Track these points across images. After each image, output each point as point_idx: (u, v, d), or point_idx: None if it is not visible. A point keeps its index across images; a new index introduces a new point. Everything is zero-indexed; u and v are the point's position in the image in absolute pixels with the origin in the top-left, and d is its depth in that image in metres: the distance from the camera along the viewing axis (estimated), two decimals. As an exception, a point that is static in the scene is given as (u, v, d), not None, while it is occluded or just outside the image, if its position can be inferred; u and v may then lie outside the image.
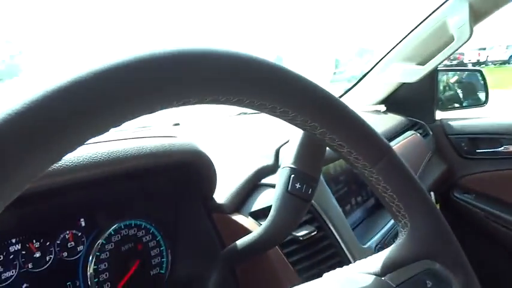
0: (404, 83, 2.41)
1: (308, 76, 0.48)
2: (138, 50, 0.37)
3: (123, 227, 1.18)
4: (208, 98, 0.40)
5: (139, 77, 0.37)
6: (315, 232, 1.28)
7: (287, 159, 0.93)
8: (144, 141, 0.96)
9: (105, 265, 1.11)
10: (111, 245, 1.14)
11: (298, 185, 0.90)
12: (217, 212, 1.20)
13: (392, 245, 0.65)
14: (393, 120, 2.43)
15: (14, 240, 0.97)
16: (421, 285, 0.56)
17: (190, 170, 1.11)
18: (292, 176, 0.90)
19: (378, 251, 1.17)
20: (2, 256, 0.94)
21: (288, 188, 0.90)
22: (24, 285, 0.97)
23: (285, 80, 0.49)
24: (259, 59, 0.48)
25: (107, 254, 1.12)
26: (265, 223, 0.97)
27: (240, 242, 1.04)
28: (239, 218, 1.21)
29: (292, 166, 0.91)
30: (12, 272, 0.95)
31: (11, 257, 0.96)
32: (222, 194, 1.22)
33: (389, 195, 0.53)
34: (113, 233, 1.15)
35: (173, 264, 1.28)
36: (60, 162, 0.84)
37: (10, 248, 0.96)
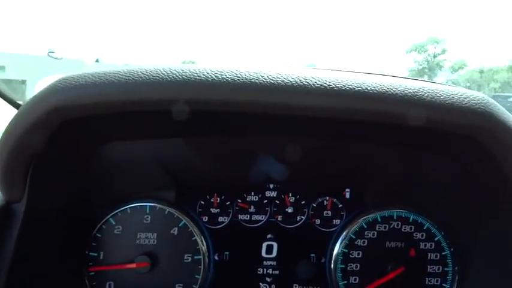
0: None
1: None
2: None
3: (395, 217, 0.89)
4: None
5: None
6: None
7: None
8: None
9: (358, 254, 0.88)
10: (373, 234, 0.89)
11: None
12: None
13: None
14: None
15: (271, 186, 0.92)
16: None
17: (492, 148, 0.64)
18: None
19: None
20: (257, 197, 0.92)
21: None
22: (269, 235, 0.91)
23: None
24: None
25: (364, 242, 0.88)
26: None
27: None
28: None
29: None
30: (262, 217, 0.91)
31: (264, 201, 0.92)
32: None
33: None
34: (379, 219, 0.89)
35: (458, 299, 0.86)
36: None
37: (266, 193, 0.92)
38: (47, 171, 0.68)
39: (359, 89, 0.53)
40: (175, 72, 0.51)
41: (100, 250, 0.87)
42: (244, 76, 0.52)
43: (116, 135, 0.73)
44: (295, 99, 0.53)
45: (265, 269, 0.90)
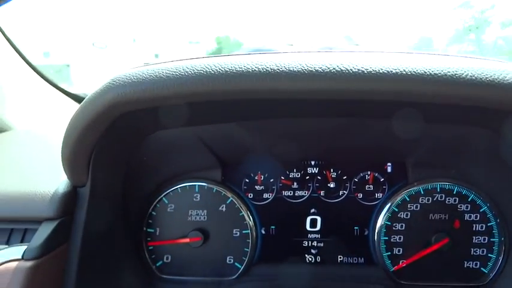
0: None
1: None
2: None
3: (439, 189, 0.89)
4: None
5: None
6: None
7: None
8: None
9: (401, 226, 0.90)
10: (416, 207, 0.90)
11: None
12: None
13: None
14: None
15: (313, 163, 0.95)
16: None
17: None
18: None
19: None
20: (299, 174, 0.95)
21: None
22: (312, 210, 0.94)
23: None
24: None
25: (407, 215, 0.90)
26: None
27: None
28: None
29: None
30: (305, 193, 0.95)
31: (306, 177, 0.95)
32: None
33: None
34: (422, 192, 0.90)
35: (504, 268, 0.86)
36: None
37: (308, 169, 0.95)
38: (106, 159, 0.75)
39: (400, 71, 0.54)
40: (217, 64, 0.54)
41: (156, 226, 0.95)
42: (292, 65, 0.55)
43: (169, 123, 0.78)
44: (345, 85, 0.55)
45: (310, 242, 0.94)
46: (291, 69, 0.54)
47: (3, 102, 1.19)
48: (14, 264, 0.68)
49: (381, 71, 0.54)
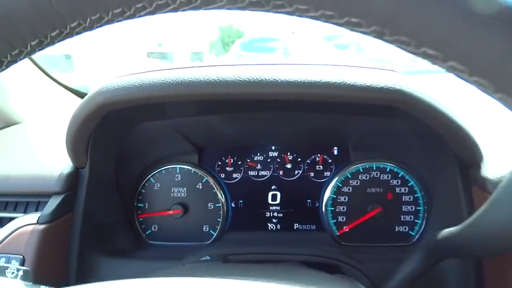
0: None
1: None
2: None
3: (375, 168, 1.09)
4: None
5: None
6: None
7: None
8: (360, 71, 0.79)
9: (344, 199, 1.10)
10: (357, 182, 1.09)
11: None
12: (478, 186, 0.85)
13: None
14: None
15: (273, 147, 1.14)
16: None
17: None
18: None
19: None
20: (262, 157, 1.15)
21: None
22: (273, 186, 1.14)
23: None
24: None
25: (349, 189, 1.09)
26: None
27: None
28: None
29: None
30: (267, 173, 1.14)
31: (268, 160, 1.15)
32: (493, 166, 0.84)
33: None
34: (361, 170, 1.09)
35: (425, 231, 1.06)
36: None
37: (269, 153, 1.15)
38: (101, 145, 0.95)
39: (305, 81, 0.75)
40: (172, 76, 0.75)
41: (145, 202, 1.15)
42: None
43: (148, 118, 0.98)
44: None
45: (271, 213, 1.14)
46: (219, 79, 0.76)
47: (16, 99, 1.39)
48: (31, 227, 0.89)
49: (281, 79, 0.75)
